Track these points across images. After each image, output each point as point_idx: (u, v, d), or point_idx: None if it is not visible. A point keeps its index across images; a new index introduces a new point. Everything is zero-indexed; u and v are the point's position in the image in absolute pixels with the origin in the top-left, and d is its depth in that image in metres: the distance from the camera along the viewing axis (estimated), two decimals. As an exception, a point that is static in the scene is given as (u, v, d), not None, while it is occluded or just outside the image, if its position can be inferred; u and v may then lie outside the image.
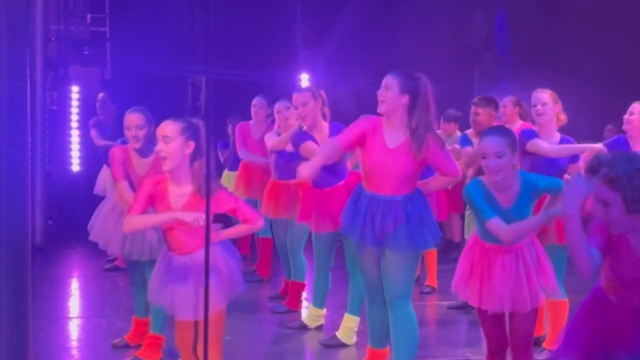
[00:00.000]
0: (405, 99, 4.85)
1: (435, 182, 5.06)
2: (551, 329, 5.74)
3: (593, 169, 3.17)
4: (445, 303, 7.41)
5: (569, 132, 6.01)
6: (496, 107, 7.14)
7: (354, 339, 6.14)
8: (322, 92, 6.34)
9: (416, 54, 10.72)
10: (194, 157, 4.18)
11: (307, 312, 6.71)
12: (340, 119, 6.33)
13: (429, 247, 5.04)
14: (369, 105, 10.28)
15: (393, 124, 4.87)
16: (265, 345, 6.34)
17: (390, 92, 4.86)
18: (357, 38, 10.97)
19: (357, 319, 6.13)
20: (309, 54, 11.82)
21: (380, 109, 4.90)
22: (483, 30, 12.13)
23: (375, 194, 4.88)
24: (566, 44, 11.11)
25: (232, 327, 6.53)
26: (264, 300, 7.58)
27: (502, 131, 4.43)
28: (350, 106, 10.08)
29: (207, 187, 3.49)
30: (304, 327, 6.56)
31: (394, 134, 4.87)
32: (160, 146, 4.16)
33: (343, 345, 6.09)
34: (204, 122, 4.27)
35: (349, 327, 6.13)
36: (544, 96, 5.92)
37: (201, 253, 3.94)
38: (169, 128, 4.17)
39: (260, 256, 8.36)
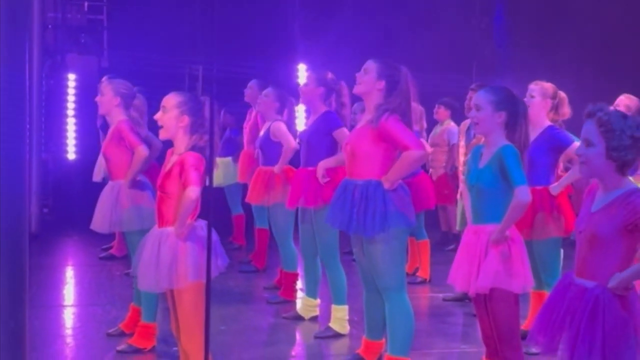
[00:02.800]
0: (382, 85, 4.97)
1: (402, 162, 4.91)
2: (531, 319, 5.79)
3: (592, 112, 3.39)
4: (441, 295, 7.42)
5: (569, 124, 5.99)
6: None
7: (348, 327, 6.15)
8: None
9: (415, 45, 10.72)
10: (192, 130, 4.37)
11: (301, 302, 6.72)
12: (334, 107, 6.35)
13: (384, 232, 4.87)
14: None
15: (369, 108, 5.02)
16: (260, 335, 6.34)
17: (367, 75, 5.01)
18: (355, 30, 10.95)
19: (345, 307, 6.15)
20: (307, 45, 11.79)
21: (355, 89, 5.10)
22: (482, 23, 12.13)
23: (348, 179, 5.03)
24: (565, 37, 11.10)
25: (227, 317, 6.55)
26: (259, 291, 7.59)
27: (491, 88, 4.48)
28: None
29: (209, 177, 3.48)
30: (298, 318, 6.57)
31: (365, 118, 5.06)
32: (158, 115, 4.44)
33: (338, 336, 6.10)
34: (209, 102, 4.41)
35: (339, 317, 6.15)
36: (534, 89, 5.92)
37: (172, 230, 4.23)
38: (169, 99, 4.44)
39: (256, 246, 8.36)
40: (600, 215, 3.38)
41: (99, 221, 5.83)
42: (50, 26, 11.37)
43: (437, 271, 7.78)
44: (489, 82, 11.84)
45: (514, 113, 4.35)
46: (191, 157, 4.31)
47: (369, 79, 5.00)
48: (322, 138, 6.14)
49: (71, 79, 11.31)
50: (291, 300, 7.05)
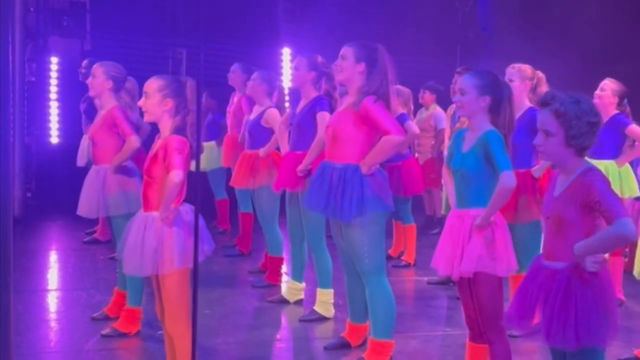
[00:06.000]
0: (362, 67, 5.01)
1: (381, 146, 4.91)
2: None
3: (545, 102, 3.49)
4: (426, 279, 7.45)
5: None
6: None
7: (332, 311, 6.17)
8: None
9: (399, 29, 10.70)
10: (176, 112, 4.38)
11: (287, 286, 6.72)
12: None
13: (361, 216, 4.90)
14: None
15: (352, 91, 5.04)
16: (245, 318, 6.35)
17: (346, 61, 5.05)
18: (340, 13, 10.91)
19: (330, 291, 6.18)
20: (291, 28, 11.75)
21: (338, 77, 5.16)
22: (466, 7, 12.11)
23: (327, 162, 5.06)
24: (549, 20, 11.11)
25: (212, 301, 6.55)
26: (244, 274, 7.59)
27: (476, 72, 4.49)
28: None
29: (196, 162, 3.45)
30: (284, 301, 6.58)
31: (348, 101, 5.07)
32: (142, 101, 4.45)
33: (323, 319, 6.11)
34: (193, 82, 4.43)
35: (324, 301, 6.17)
36: (512, 72, 5.93)
37: (157, 214, 4.23)
38: (150, 84, 4.44)
39: (240, 231, 8.35)
40: (562, 199, 3.47)
41: (86, 206, 5.80)
42: (32, 9, 11.26)
43: (421, 254, 7.81)
44: (473, 66, 11.85)
45: (499, 97, 4.35)
46: (175, 141, 4.30)
47: (348, 65, 5.03)
48: (312, 123, 6.13)
49: (54, 62, 11.22)
50: (276, 285, 7.06)
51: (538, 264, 3.57)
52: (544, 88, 5.98)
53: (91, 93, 5.93)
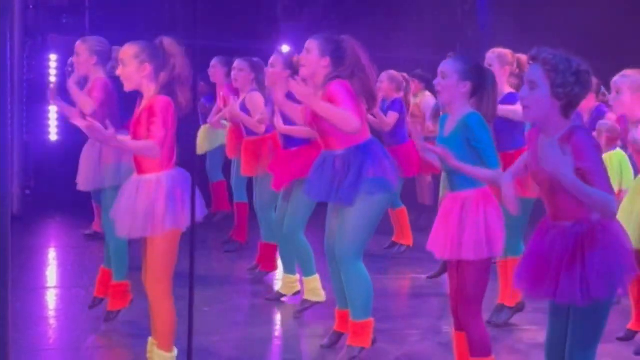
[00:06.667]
0: (326, 62, 4.94)
1: (336, 111, 4.82)
2: (503, 285, 5.89)
3: (536, 56, 3.44)
4: (424, 276, 7.44)
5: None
6: None
7: (323, 294, 6.17)
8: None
9: (398, 27, 10.70)
10: (156, 75, 4.33)
11: (282, 281, 6.71)
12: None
13: (357, 202, 4.90)
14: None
15: (315, 85, 4.97)
16: (242, 315, 6.37)
17: (310, 54, 4.98)
18: (338, 10, 10.92)
19: (316, 276, 6.18)
20: (290, 26, 11.75)
21: (301, 72, 5.04)
22: (465, 5, 12.11)
23: (326, 151, 5.04)
24: (549, 19, 11.10)
25: (209, 298, 6.55)
26: (241, 272, 7.59)
27: (460, 57, 4.48)
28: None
29: (192, 144, 3.46)
30: (281, 297, 6.58)
31: (315, 94, 5.00)
32: (119, 70, 4.40)
33: (317, 304, 6.13)
34: (169, 40, 4.38)
35: (312, 288, 6.19)
36: (491, 57, 5.95)
37: (149, 177, 4.23)
38: (125, 52, 4.39)
39: (236, 221, 8.33)
40: None
41: (83, 179, 5.80)
42: (31, 6, 11.25)
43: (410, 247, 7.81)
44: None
45: (480, 84, 4.35)
46: (159, 102, 4.26)
47: (312, 58, 4.98)
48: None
49: (53, 59, 11.21)
50: (272, 271, 7.07)
51: (546, 226, 3.52)
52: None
53: (80, 72, 5.83)
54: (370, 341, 5.14)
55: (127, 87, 4.40)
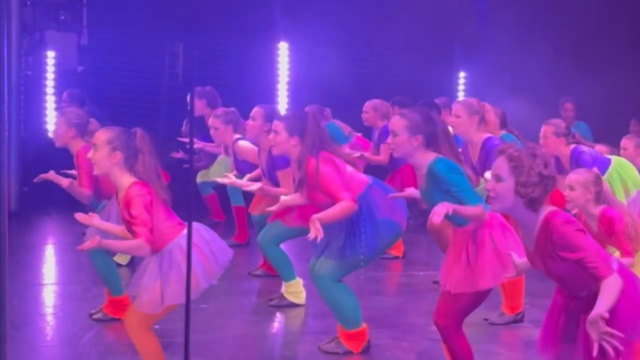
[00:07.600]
0: (295, 140, 5.05)
1: (335, 210, 4.93)
2: (506, 296, 5.97)
3: (503, 150, 3.52)
4: (422, 273, 7.44)
5: (546, 109, 6.01)
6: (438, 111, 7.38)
7: (304, 297, 6.27)
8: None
9: (397, 27, 10.68)
10: (127, 164, 4.30)
11: (286, 291, 6.48)
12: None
13: (353, 257, 5.04)
14: (347, 74, 10.24)
15: (292, 160, 5.16)
16: (241, 314, 6.36)
17: (279, 136, 5.11)
18: (336, 8, 10.89)
19: (297, 280, 6.26)
20: (288, 23, 11.73)
21: (274, 151, 5.20)
22: (463, 4, 12.10)
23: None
24: (547, 21, 11.11)
25: (208, 296, 6.52)
26: (241, 270, 7.57)
27: (404, 114, 4.52)
28: (328, 75, 10.04)
29: (190, 162, 3.45)
30: (284, 299, 6.51)
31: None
32: (91, 152, 4.41)
33: (294, 305, 6.26)
34: (142, 133, 4.38)
35: (292, 292, 6.27)
36: (458, 108, 5.99)
37: (166, 250, 4.23)
38: (98, 136, 4.39)
39: (236, 224, 8.35)
40: (540, 256, 3.46)
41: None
42: (28, 2, 11.23)
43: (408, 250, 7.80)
44: (471, 63, 11.89)
45: (432, 134, 4.40)
46: (132, 193, 4.20)
47: (281, 139, 5.10)
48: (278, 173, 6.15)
49: (50, 56, 11.20)
50: (274, 275, 7.08)
51: (561, 298, 3.59)
52: (492, 116, 6.12)
53: (57, 144, 6.07)
54: (361, 348, 5.19)
55: (97, 171, 4.40)
